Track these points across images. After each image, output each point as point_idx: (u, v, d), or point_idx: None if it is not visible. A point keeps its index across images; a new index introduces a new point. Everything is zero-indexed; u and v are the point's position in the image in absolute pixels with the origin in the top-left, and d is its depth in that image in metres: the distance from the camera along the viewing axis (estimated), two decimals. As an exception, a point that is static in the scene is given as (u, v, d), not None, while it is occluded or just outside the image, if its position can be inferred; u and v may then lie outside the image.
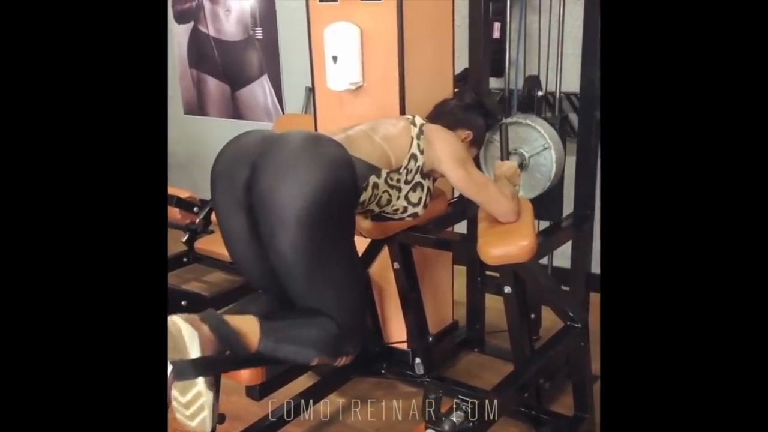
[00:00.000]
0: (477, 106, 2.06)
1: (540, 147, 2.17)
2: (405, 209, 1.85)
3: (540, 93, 2.42)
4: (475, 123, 2.03)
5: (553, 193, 2.25)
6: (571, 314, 1.87)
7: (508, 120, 2.21)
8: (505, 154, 2.05)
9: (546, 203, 2.25)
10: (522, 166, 2.17)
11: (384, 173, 1.73)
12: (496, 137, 2.19)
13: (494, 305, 2.55)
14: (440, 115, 2.02)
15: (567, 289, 2.35)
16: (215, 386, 1.48)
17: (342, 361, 1.64)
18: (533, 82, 2.44)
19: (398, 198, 1.81)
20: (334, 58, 2.14)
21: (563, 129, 2.27)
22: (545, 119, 2.23)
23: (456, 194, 2.37)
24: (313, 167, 1.49)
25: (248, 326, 1.50)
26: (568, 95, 2.73)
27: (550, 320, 2.22)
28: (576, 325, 1.86)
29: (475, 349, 2.62)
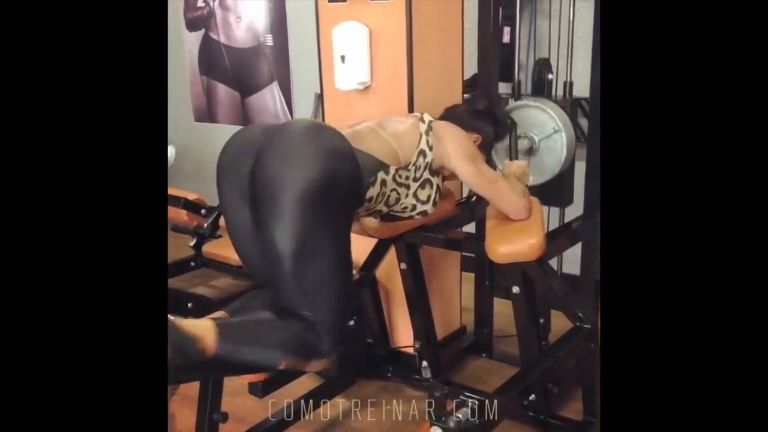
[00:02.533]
0: (487, 113, 2.04)
1: (550, 130, 2.13)
2: (414, 207, 1.83)
3: (551, 76, 2.39)
4: (484, 129, 2.01)
5: (564, 177, 2.21)
6: (580, 315, 1.84)
7: (519, 103, 2.18)
8: (515, 153, 2.04)
9: (556, 188, 2.22)
10: (532, 150, 2.14)
11: (392, 170, 1.71)
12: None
13: (502, 310, 2.52)
14: (449, 118, 2.01)
15: (577, 294, 2.32)
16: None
17: (316, 365, 1.52)
18: (544, 65, 2.41)
19: (407, 196, 1.79)
20: (342, 58, 2.14)
21: (574, 112, 2.23)
22: (556, 102, 2.21)
23: (464, 193, 2.36)
24: (311, 155, 1.46)
25: (203, 330, 1.38)
26: (578, 100, 2.71)
27: (559, 326, 2.19)
28: (586, 326, 1.83)
29: (483, 354, 2.59)
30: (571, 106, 2.25)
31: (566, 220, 2.52)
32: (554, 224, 2.57)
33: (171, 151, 3.32)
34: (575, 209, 2.37)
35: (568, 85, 2.40)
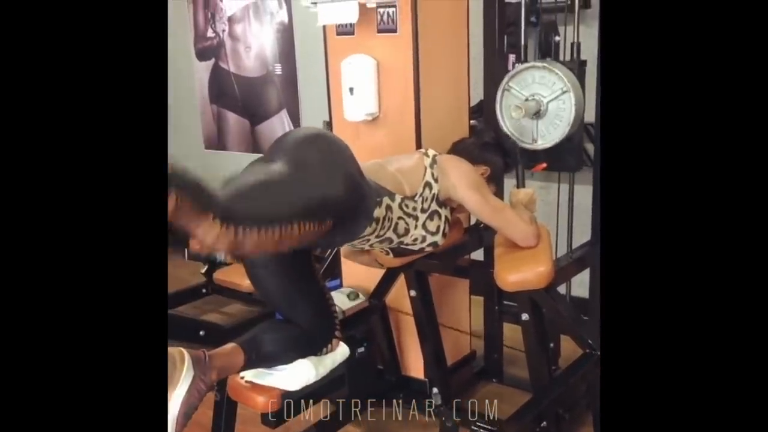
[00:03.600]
0: (495, 146, 2.07)
1: (558, 90, 2.10)
2: (424, 238, 1.86)
3: (558, 38, 2.34)
4: (492, 161, 2.03)
5: (572, 141, 2.17)
6: (590, 341, 1.85)
7: (525, 65, 2.16)
8: (521, 181, 2.06)
9: (565, 153, 2.18)
10: (539, 113, 2.11)
11: (398, 198, 1.75)
12: (514, 83, 2.15)
13: (512, 335, 2.53)
14: (457, 151, 2.03)
15: (586, 318, 2.33)
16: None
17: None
18: (550, 27, 2.39)
19: (416, 227, 1.82)
20: (351, 90, 2.18)
21: (581, 73, 2.19)
22: (563, 63, 2.19)
23: (473, 220, 2.38)
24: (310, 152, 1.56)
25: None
26: (585, 125, 2.73)
27: (569, 350, 2.20)
28: (595, 352, 1.84)
29: (494, 380, 2.59)
30: (578, 67, 2.20)
31: (576, 194, 2.49)
32: (562, 241, 2.59)
33: None
34: (584, 233, 2.38)
35: (575, 47, 2.32)
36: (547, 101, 2.12)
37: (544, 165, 2.16)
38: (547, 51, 2.33)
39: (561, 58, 2.35)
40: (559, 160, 2.13)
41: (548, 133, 2.14)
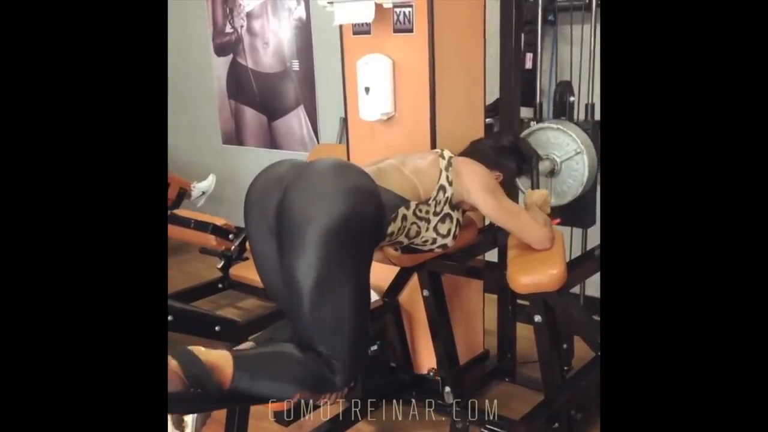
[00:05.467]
0: (512, 150, 2.06)
1: (572, 152, 2.13)
2: (434, 240, 1.86)
3: (572, 98, 2.39)
4: (507, 166, 2.03)
5: (586, 199, 2.21)
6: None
7: (540, 125, 2.18)
8: (536, 183, 2.06)
9: (578, 210, 2.21)
10: (553, 172, 2.14)
11: (413, 205, 1.75)
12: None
13: (526, 334, 2.53)
14: (474, 152, 2.02)
15: (598, 319, 2.32)
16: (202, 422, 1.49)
17: (328, 398, 1.57)
18: (565, 87, 2.41)
19: (427, 229, 1.82)
20: (367, 89, 2.19)
21: (596, 134, 2.22)
22: (577, 124, 2.21)
23: (487, 221, 2.38)
24: (337, 194, 1.50)
25: (221, 360, 1.43)
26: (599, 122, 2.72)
27: (583, 350, 2.19)
28: (596, 353, 1.83)
29: (506, 379, 2.60)
30: (592, 128, 2.25)
31: (588, 241, 2.53)
32: (577, 242, 2.58)
33: (211, 179, 3.40)
34: (598, 235, 2.38)
35: (590, 107, 2.41)
36: (561, 161, 2.15)
37: (558, 220, 2.18)
38: (562, 111, 2.36)
39: (576, 117, 2.40)
40: (573, 216, 2.15)
41: (562, 191, 2.16)
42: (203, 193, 3.33)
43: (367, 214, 1.55)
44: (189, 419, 1.45)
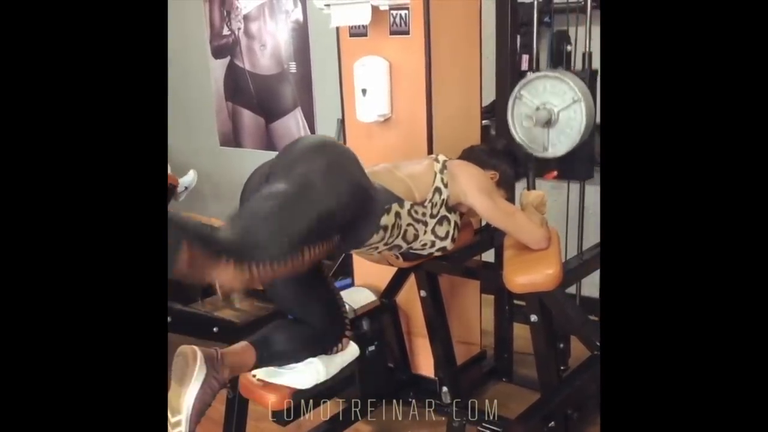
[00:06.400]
0: (506, 154, 2.07)
1: (570, 100, 2.11)
2: (433, 243, 1.87)
3: (569, 47, 2.35)
4: (502, 168, 2.04)
5: (584, 150, 2.18)
6: (598, 343, 1.86)
7: (537, 74, 2.17)
8: (532, 183, 2.07)
9: (576, 161, 2.19)
10: (550, 122, 2.12)
11: (407, 204, 1.76)
12: (525, 92, 2.16)
13: (523, 334, 2.54)
14: (467, 158, 2.04)
15: (596, 318, 2.33)
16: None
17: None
18: (562, 36, 2.40)
19: (425, 232, 1.84)
20: (364, 91, 2.20)
21: (593, 83, 2.20)
22: (575, 73, 2.19)
23: (483, 222, 2.39)
24: (319, 158, 1.58)
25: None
26: (598, 127, 2.73)
27: (579, 350, 2.20)
28: (597, 352, 1.85)
29: (503, 379, 2.61)
30: (589, 77, 2.22)
31: (586, 197, 2.49)
32: (573, 239, 2.59)
33: (193, 175, 3.40)
34: (594, 235, 2.39)
35: (587, 56, 2.34)
36: (559, 110, 2.13)
37: (555, 173, 2.16)
38: (559, 60, 2.34)
39: (573, 67, 2.36)
40: (570, 168, 2.13)
41: (559, 142, 2.15)
42: (186, 188, 3.33)
43: (347, 165, 1.62)
44: (183, 415, 1.47)
